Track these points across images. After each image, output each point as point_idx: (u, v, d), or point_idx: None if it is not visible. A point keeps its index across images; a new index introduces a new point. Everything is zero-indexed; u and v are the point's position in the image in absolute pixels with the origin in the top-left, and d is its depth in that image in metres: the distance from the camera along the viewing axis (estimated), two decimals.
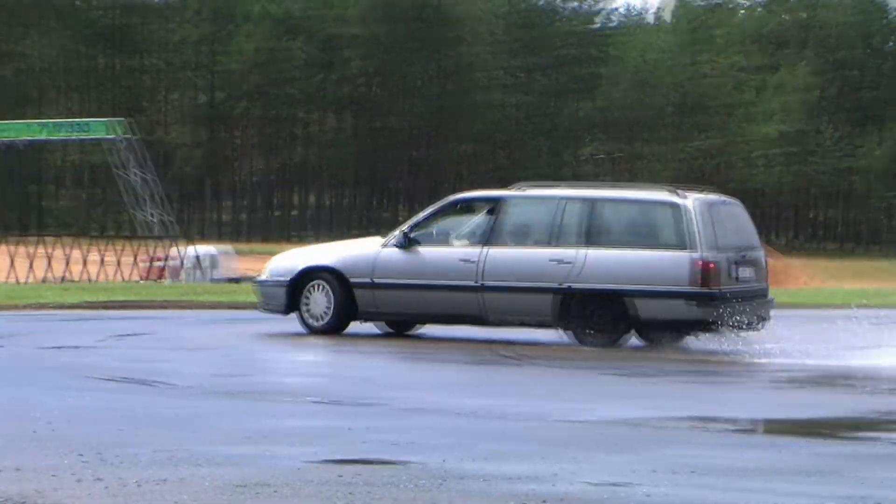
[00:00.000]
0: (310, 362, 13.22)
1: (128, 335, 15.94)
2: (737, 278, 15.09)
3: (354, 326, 15.79)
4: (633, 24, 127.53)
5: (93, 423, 7.56)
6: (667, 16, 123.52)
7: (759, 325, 14.99)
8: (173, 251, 49.76)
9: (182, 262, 50.87)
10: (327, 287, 15.86)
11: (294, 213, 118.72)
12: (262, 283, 16.34)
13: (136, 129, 51.74)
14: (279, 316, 15.90)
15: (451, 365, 13.03)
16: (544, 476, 6.01)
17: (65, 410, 8.25)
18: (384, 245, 15.93)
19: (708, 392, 10.82)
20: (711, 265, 14.75)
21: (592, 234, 15.17)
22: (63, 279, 41.85)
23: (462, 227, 16.02)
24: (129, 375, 10.76)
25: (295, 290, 15.77)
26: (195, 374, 11.48)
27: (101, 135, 49.05)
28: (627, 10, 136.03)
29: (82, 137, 54.02)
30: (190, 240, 58.18)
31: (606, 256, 15.00)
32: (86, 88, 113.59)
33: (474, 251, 15.47)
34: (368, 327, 16.75)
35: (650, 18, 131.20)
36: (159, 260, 50.98)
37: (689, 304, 14.70)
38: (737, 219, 15.72)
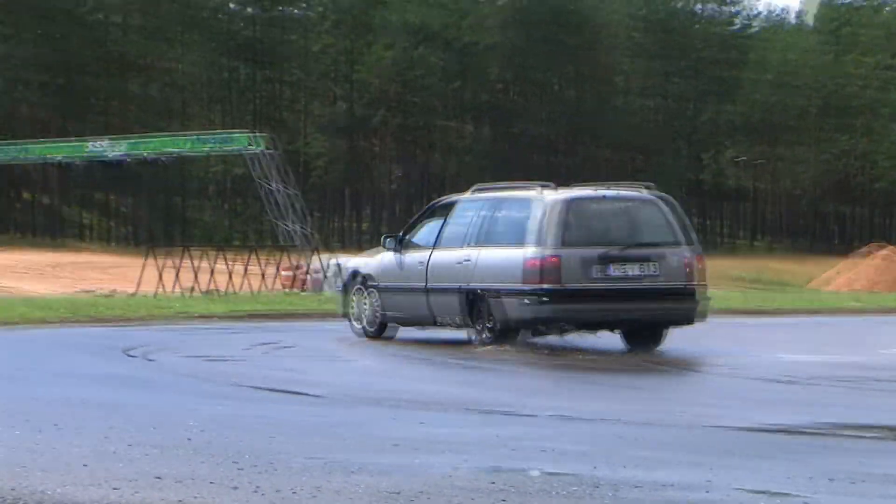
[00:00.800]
0: (449, 370, 13.23)
1: (273, 345, 16.14)
2: (605, 276, 14.62)
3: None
4: (774, 25, 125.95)
5: (245, 432, 7.65)
6: (809, 16, 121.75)
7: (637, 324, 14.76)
8: (315, 262, 50.24)
9: (324, 273, 51.27)
10: (367, 292, 16.56)
11: None
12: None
13: (278, 140, 52.35)
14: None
15: (593, 373, 12.96)
16: (697, 484, 5.95)
17: (217, 419, 8.37)
18: (387, 249, 16.45)
19: (859, 398, 10.62)
20: (551, 261, 14.49)
21: (486, 235, 15.32)
22: (208, 290, 42.51)
23: (429, 231, 16.30)
24: (276, 385, 10.88)
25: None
26: (341, 382, 11.58)
27: (243, 147, 49.70)
28: (768, 11, 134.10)
29: (225, 150, 54.79)
30: (331, 250, 58.71)
31: (487, 256, 15.17)
32: (228, 100, 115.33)
33: (426, 255, 15.83)
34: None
35: (792, 19, 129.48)
36: (301, 270, 51.55)
37: (525, 301, 14.57)
38: (627, 215, 15.19)
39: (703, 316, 15.22)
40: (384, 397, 10.00)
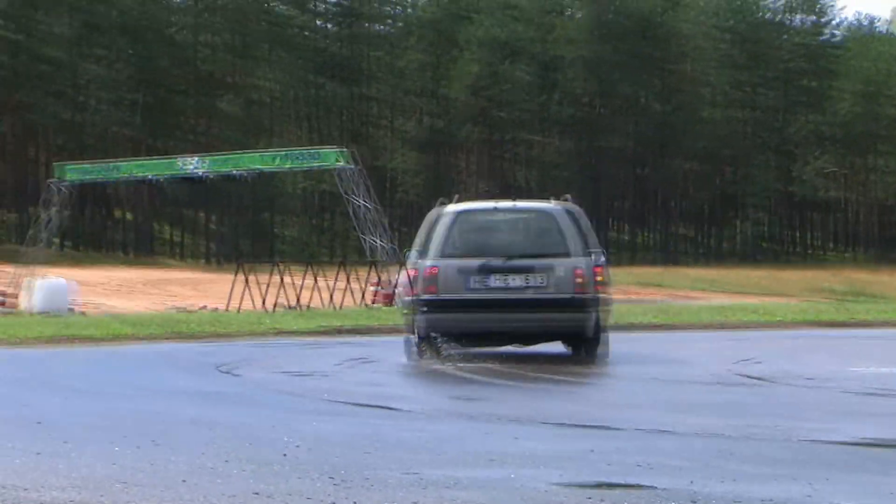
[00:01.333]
0: (536, 384, 13.19)
1: (362, 360, 16.19)
2: (485, 287, 14.69)
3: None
4: (863, 34, 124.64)
5: (339, 447, 7.68)
6: None
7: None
8: (402, 277, 50.28)
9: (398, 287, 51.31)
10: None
11: None
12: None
13: (359, 156, 52.59)
14: None
15: (687, 385, 12.86)
16: (797, 498, 5.88)
17: (311, 434, 8.41)
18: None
19: None
20: (430, 272, 14.82)
21: (419, 248, 15.64)
22: (297, 305, 42.76)
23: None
24: (368, 400, 10.91)
25: None
26: (432, 397, 11.60)
27: (330, 163, 49.97)
28: (857, 20, 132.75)
29: (312, 166, 55.13)
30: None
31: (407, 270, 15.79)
32: (315, 117, 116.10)
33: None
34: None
35: (881, 27, 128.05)
36: (387, 285, 51.69)
37: (404, 312, 15.31)
38: (519, 227, 15.11)
39: (598, 328, 14.98)
40: (476, 412, 9.99)
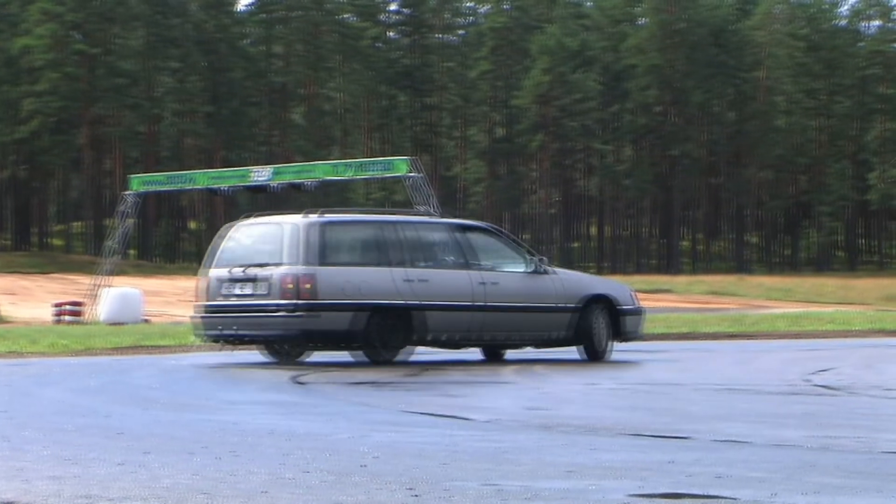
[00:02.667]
0: (610, 393, 13.15)
1: (434, 369, 16.19)
2: (231, 294, 16.03)
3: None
4: None
5: (417, 458, 7.69)
6: None
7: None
8: None
9: None
10: None
11: (592, 244, 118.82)
12: None
13: (427, 165, 52.71)
14: None
15: (764, 396, 12.77)
16: None
17: (388, 445, 8.44)
18: None
19: None
20: (203, 282, 16.32)
21: None
22: None
23: None
24: (443, 410, 10.92)
25: None
26: (509, 408, 11.58)
27: (400, 173, 50.10)
28: None
29: (381, 175, 55.29)
30: None
31: None
32: (387, 128, 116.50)
33: None
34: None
35: None
36: None
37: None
38: (270, 237, 16.06)
39: (307, 335, 15.88)
40: (552, 422, 9.97)
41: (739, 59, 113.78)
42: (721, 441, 8.64)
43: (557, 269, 17.66)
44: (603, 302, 17.11)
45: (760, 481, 6.70)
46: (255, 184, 48.62)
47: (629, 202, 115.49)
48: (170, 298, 57.42)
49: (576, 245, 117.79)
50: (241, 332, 16.03)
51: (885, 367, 16.96)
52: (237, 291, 16.02)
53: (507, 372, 16.07)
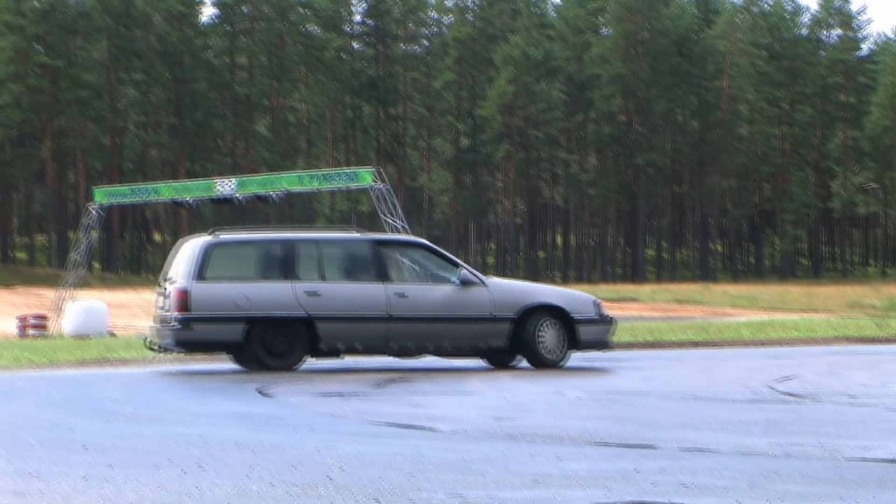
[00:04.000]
0: (576, 402, 13.18)
1: (401, 381, 16.19)
2: (160, 307, 17.68)
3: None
4: None
5: (383, 468, 7.69)
6: None
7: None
8: None
9: None
10: None
11: (557, 252, 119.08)
12: None
13: (392, 176, 52.77)
14: None
15: (729, 404, 12.82)
16: None
17: (355, 456, 8.43)
18: None
19: None
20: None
21: None
22: None
23: None
24: (409, 421, 10.92)
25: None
26: (474, 417, 11.59)
27: (365, 183, 50.05)
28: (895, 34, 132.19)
29: (347, 186, 55.24)
30: None
31: None
32: (352, 138, 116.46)
33: None
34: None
35: None
36: None
37: None
38: (182, 255, 17.54)
39: (182, 344, 17.22)
40: (517, 432, 9.99)
41: (702, 68, 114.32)
42: (686, 449, 8.68)
43: (496, 280, 18.38)
44: (550, 311, 17.63)
45: (724, 489, 6.73)
46: (220, 196, 48.49)
47: (594, 211, 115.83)
48: (135, 311, 57.20)
49: (541, 254, 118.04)
50: (161, 343, 17.48)
51: (848, 374, 17.05)
52: (160, 304, 17.76)
53: (473, 381, 16.09)
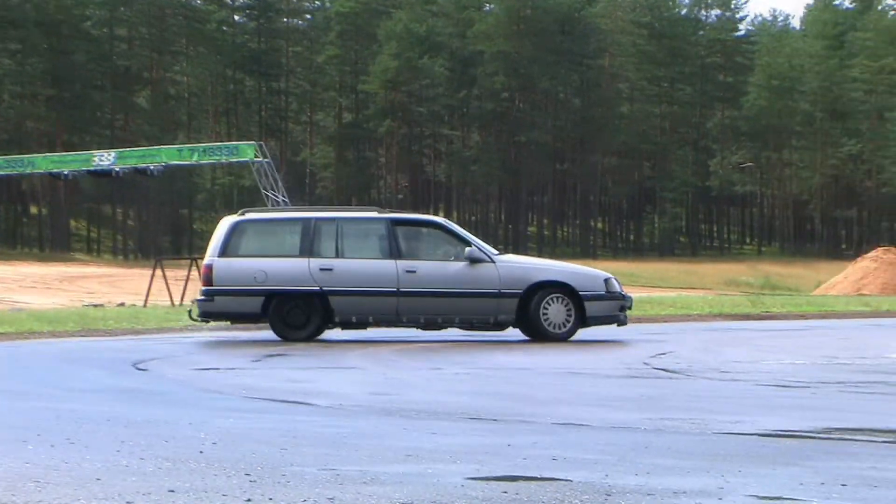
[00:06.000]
0: (455, 378, 13.24)
1: (281, 356, 16.17)
2: None
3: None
4: (779, 29, 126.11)
5: (257, 443, 7.66)
6: (813, 20, 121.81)
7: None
8: None
9: None
10: None
11: None
12: None
13: (276, 151, 52.50)
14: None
15: (603, 379, 12.96)
16: (710, 490, 5.96)
17: (229, 431, 8.39)
18: None
19: (869, 402, 10.62)
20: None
21: None
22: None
23: None
24: (287, 396, 10.90)
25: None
26: (351, 392, 11.59)
27: (247, 158, 49.68)
28: (773, 15, 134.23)
29: (228, 160, 54.84)
30: None
31: None
32: (234, 112, 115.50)
33: None
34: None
35: (796, 23, 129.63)
36: None
37: None
38: (215, 232, 18.95)
39: (207, 315, 18.75)
40: (394, 407, 10.01)
41: (584, 46, 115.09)
42: (560, 424, 8.76)
43: (506, 257, 19.27)
44: (557, 288, 18.44)
45: (595, 463, 6.81)
46: (98, 168, 47.86)
47: (476, 188, 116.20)
48: (11, 285, 56.30)
49: None
50: (200, 312, 18.81)
51: (722, 350, 17.33)
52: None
53: (353, 357, 16.09)
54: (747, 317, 26.21)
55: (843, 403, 10.53)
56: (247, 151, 49.20)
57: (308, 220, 18.75)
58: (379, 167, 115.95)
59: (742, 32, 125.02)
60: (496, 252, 19.02)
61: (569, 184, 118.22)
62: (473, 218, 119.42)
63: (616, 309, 18.86)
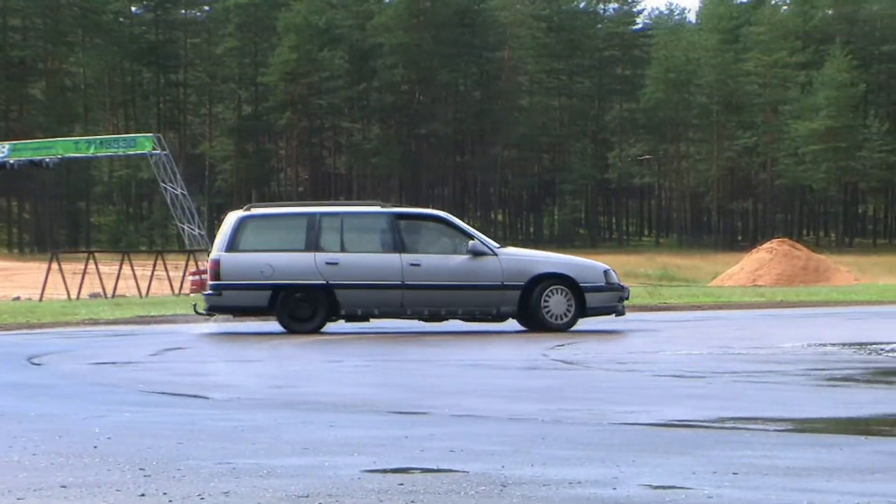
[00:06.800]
0: (355, 370, 13.25)
1: (180, 349, 16.08)
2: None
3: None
4: (675, 23, 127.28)
5: (152, 438, 7.61)
6: (708, 14, 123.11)
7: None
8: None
9: None
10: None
11: None
12: None
13: (175, 143, 52.12)
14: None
15: (503, 371, 13.03)
16: (605, 480, 6.02)
17: (124, 425, 8.32)
18: None
19: (762, 391, 10.78)
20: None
21: None
22: (114, 295, 42.13)
23: None
24: (184, 390, 10.84)
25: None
26: (251, 386, 11.56)
27: (144, 150, 49.23)
28: (670, 9, 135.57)
29: (125, 153, 54.32)
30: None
31: None
32: (131, 104, 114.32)
33: None
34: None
35: (692, 17, 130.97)
36: (203, 273, 51.19)
37: None
38: (222, 227, 19.32)
39: (214, 308, 18.98)
40: (293, 400, 9.99)
41: (484, 38, 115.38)
42: (458, 416, 8.79)
43: (508, 250, 19.49)
44: (558, 279, 18.75)
45: (491, 454, 6.84)
46: (2, 161, 47.16)
47: (377, 180, 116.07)
48: None
49: None
50: (203, 307, 19.15)
51: (620, 341, 17.51)
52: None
53: (254, 350, 16.04)
54: (645, 308, 26.47)
55: (737, 393, 10.68)
56: (144, 144, 48.76)
57: (312, 214, 19.04)
58: (279, 160, 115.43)
59: (639, 26, 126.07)
60: (497, 245, 19.35)
61: (469, 176, 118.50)
62: None
63: (615, 300, 19.19)
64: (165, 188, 48.21)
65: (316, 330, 18.54)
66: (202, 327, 19.96)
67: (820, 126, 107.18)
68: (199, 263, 48.86)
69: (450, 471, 6.31)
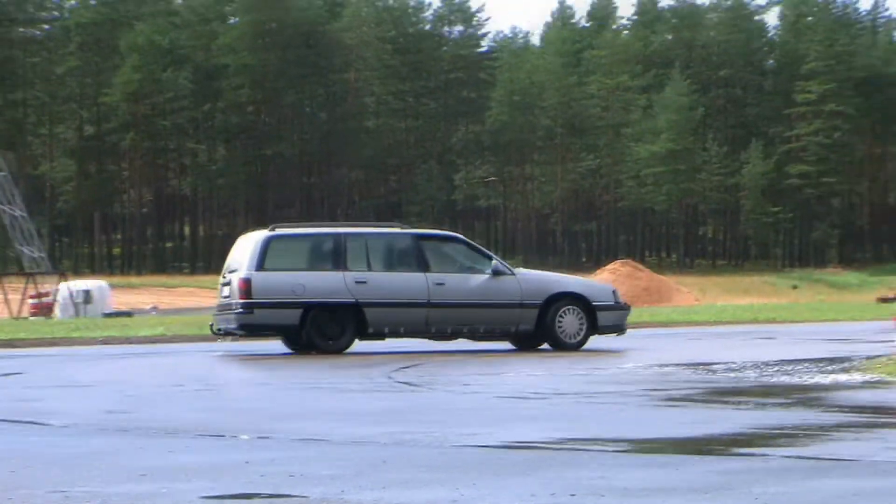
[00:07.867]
0: (194, 394, 13.10)
1: (15, 374, 15.74)
2: (224, 295, 19.66)
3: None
4: (519, 46, 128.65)
5: None
6: (552, 38, 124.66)
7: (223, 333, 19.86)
8: (47, 287, 49.30)
9: (55, 298, 50.46)
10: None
11: (185, 243, 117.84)
12: None
13: (12, 162, 51.14)
14: None
15: (347, 394, 12.99)
16: (443, 502, 6.02)
17: None
18: None
19: (603, 412, 10.90)
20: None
21: None
22: None
23: None
24: (17, 416, 10.60)
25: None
26: (88, 411, 11.35)
27: None
28: (514, 32, 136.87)
29: None
30: (63, 275, 57.05)
31: None
32: None
33: None
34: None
35: (536, 41, 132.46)
36: (47, 296, 50.34)
37: None
38: (242, 248, 19.64)
39: (244, 327, 19.16)
40: (130, 425, 9.83)
41: (330, 60, 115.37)
42: (299, 440, 8.74)
43: (525, 271, 20.36)
44: (572, 299, 19.41)
45: (332, 478, 6.81)
46: None
47: (223, 201, 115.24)
48: None
49: (169, 245, 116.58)
50: (224, 326, 19.45)
51: (464, 362, 17.58)
52: (224, 293, 19.61)
53: (89, 374, 15.77)
54: None
55: (578, 413, 10.78)
56: None
57: (338, 235, 19.53)
58: (122, 181, 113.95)
59: (484, 49, 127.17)
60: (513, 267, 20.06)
61: (316, 197, 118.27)
62: (220, 232, 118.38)
63: (622, 318, 20.00)
64: (4, 210, 47.26)
65: (344, 349, 19.04)
66: (40, 351, 19.54)
67: (661, 149, 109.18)
68: (39, 287, 48.15)
69: (290, 496, 6.26)
